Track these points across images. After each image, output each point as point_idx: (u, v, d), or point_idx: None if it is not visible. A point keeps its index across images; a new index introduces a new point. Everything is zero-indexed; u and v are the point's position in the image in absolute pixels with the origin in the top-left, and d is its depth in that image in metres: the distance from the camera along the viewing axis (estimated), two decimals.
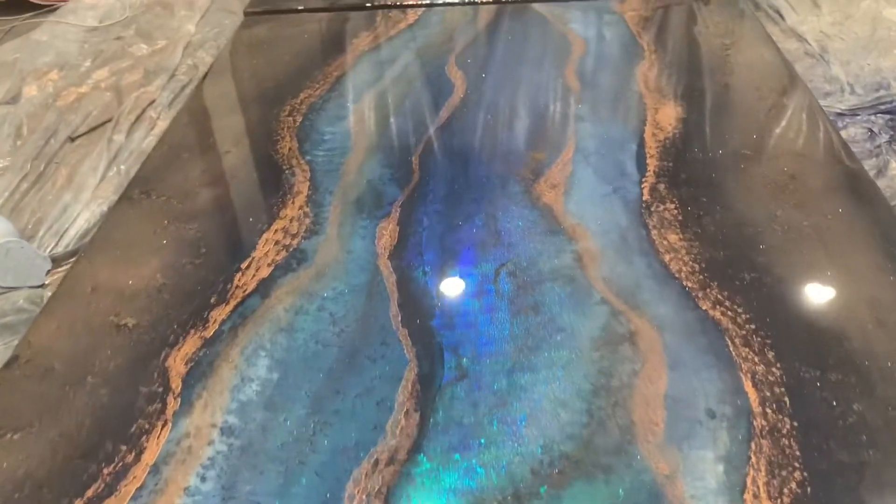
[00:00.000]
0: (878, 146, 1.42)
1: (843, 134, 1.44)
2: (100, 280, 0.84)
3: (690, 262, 0.80)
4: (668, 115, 1.05)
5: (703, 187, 0.92)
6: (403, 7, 1.45)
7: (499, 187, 0.94)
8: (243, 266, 0.84)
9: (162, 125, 1.65)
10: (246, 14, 1.50)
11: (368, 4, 1.47)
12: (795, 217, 0.86)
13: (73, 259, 1.28)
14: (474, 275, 0.81)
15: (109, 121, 1.70)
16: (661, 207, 0.88)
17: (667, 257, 0.81)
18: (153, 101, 1.73)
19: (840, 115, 1.51)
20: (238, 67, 1.27)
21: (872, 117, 1.49)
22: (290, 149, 1.05)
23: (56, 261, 1.26)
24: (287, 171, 1.00)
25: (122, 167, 1.50)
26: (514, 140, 1.03)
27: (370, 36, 1.33)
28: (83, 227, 1.35)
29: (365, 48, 1.29)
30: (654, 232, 0.85)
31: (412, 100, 1.14)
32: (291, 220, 0.91)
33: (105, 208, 1.39)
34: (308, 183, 0.97)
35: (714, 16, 1.31)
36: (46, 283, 1.24)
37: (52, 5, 2.32)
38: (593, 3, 1.39)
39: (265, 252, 0.86)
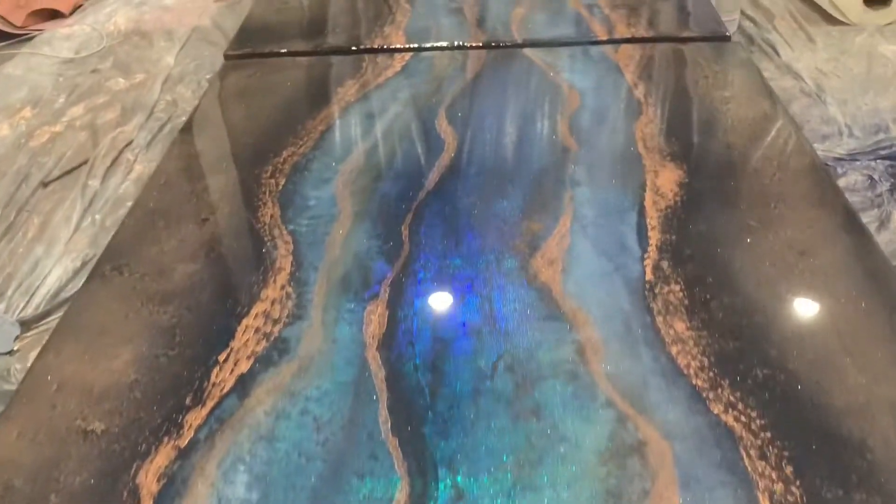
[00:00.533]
0: (880, 195, 1.38)
1: (843, 181, 1.40)
2: (66, 375, 0.78)
3: (699, 356, 0.76)
4: (669, 180, 1.01)
5: (708, 266, 0.87)
6: (390, 51, 1.40)
7: (493, 263, 0.89)
8: (221, 359, 0.79)
9: (139, 168, 1.59)
10: (226, 57, 1.44)
11: (354, 48, 1.41)
12: (807, 301, 0.81)
13: (43, 322, 1.22)
14: (470, 369, 0.76)
15: (84, 163, 1.63)
16: (666, 289, 0.83)
17: (674, 349, 0.76)
18: (130, 143, 1.67)
19: (839, 159, 1.47)
20: (217, 120, 1.22)
21: (872, 163, 1.46)
22: (271, 216, 0.99)
23: (25, 324, 1.20)
24: (269, 243, 0.94)
25: (98, 217, 1.44)
26: (509, 207, 0.98)
27: (356, 84, 1.28)
28: (54, 285, 1.28)
29: (351, 98, 1.24)
30: (659, 319, 0.80)
31: (401, 160, 1.08)
32: (273, 303, 0.85)
33: (78, 263, 1.33)
34: (291, 257, 0.92)
35: (712, 64, 1.27)
36: (15, 349, 1.18)
37: (28, 34, 2.25)
38: (586, 50, 1.34)
39: (244, 342, 0.80)
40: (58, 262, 1.35)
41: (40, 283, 1.30)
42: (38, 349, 1.11)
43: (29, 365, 1.06)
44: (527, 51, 1.36)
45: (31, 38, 2.18)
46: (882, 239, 1.27)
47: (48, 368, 0.78)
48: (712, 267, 0.87)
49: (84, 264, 1.30)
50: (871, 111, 1.59)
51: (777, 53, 1.85)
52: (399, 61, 1.35)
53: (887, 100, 1.63)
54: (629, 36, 1.39)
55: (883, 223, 1.31)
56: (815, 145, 1.49)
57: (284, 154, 1.11)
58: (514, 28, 1.44)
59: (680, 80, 1.23)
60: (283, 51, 1.42)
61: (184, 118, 1.68)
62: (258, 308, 0.84)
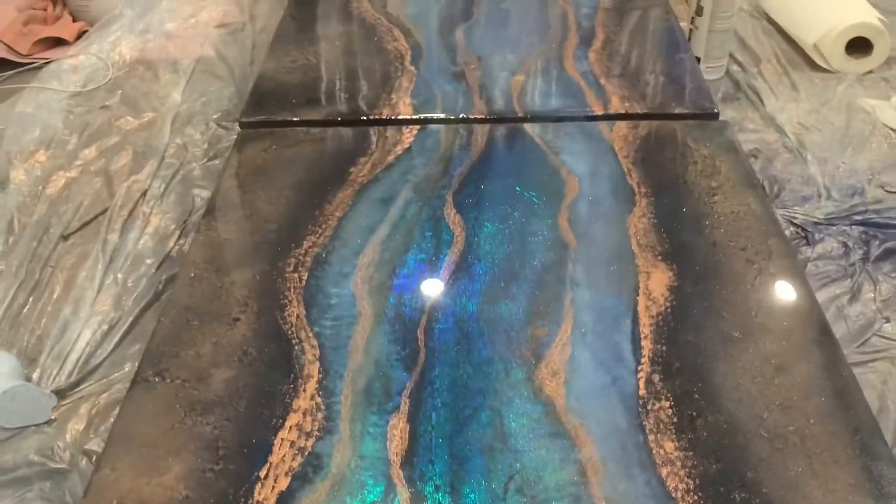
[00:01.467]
0: (853, 263, 1.49)
1: (819, 248, 1.51)
2: (124, 492, 0.88)
3: (686, 478, 0.86)
4: (660, 283, 1.11)
5: (695, 380, 0.97)
6: (398, 123, 1.48)
7: (502, 373, 0.99)
8: (262, 475, 0.88)
9: (155, 221, 1.67)
10: (241, 125, 1.51)
11: (364, 118, 1.49)
12: (781, 421, 0.92)
13: (76, 390, 1.31)
14: (484, 490, 0.86)
15: (102, 213, 1.71)
16: (657, 406, 0.94)
17: (664, 471, 0.87)
18: (144, 193, 1.74)
19: (817, 224, 1.58)
20: (237, 203, 1.30)
21: (847, 228, 1.56)
22: (297, 316, 1.08)
23: (59, 393, 1.29)
24: (297, 347, 1.04)
25: (119, 275, 1.52)
26: (515, 310, 1.08)
27: (368, 162, 1.36)
28: (85, 350, 1.37)
29: (364, 179, 1.32)
30: (651, 438, 0.91)
31: (414, 254, 1.17)
32: (305, 415, 0.95)
33: (105, 328, 1.42)
34: (318, 363, 1.01)
35: (701, 147, 1.36)
36: (53, 417, 1.27)
37: (34, 62, 2.30)
38: (582, 126, 1.43)
39: (282, 457, 0.90)
40: (86, 324, 1.43)
41: (71, 347, 1.39)
42: (74, 419, 1.20)
43: (68, 439, 1.16)
44: (528, 126, 1.44)
45: (37, 67, 2.23)
46: (853, 311, 1.38)
47: (107, 485, 0.88)
48: (699, 381, 0.97)
49: (111, 328, 1.39)
50: (848, 171, 1.70)
51: (762, 102, 1.94)
52: (407, 135, 1.43)
53: (863, 159, 1.73)
54: (623, 111, 1.47)
55: (854, 295, 1.42)
56: (796, 208, 1.59)
57: (305, 244, 1.20)
58: (514, 98, 1.52)
59: (670, 167, 1.33)
60: (295, 119, 1.50)
61: (195, 164, 1.76)
62: (291, 420, 0.94)
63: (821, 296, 1.42)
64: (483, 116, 1.48)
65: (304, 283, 1.13)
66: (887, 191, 1.64)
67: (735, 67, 2.08)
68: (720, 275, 1.12)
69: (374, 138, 1.43)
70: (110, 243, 1.58)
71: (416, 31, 1.78)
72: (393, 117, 1.49)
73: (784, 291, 1.09)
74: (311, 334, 1.05)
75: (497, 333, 1.05)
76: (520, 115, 1.48)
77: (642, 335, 1.03)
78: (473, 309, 1.08)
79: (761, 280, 1.11)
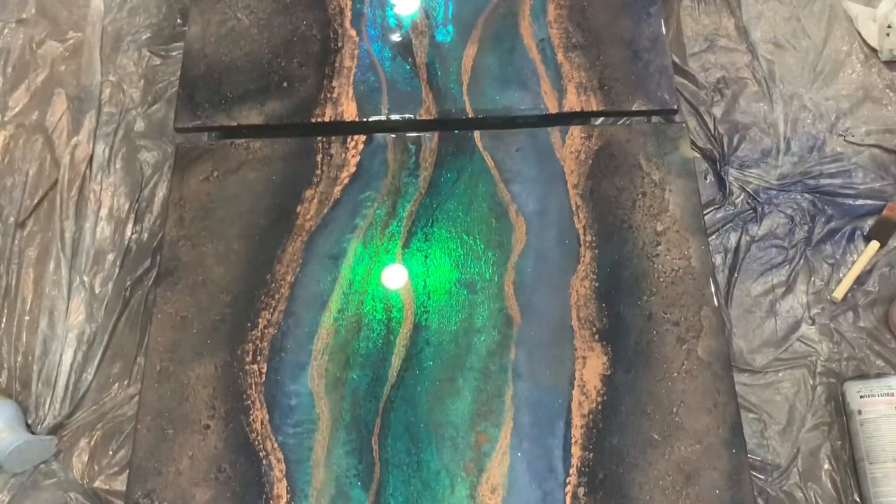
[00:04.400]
0: (795, 245, 1.55)
1: (766, 224, 1.56)
2: None
3: None
4: (594, 371, 1.21)
5: (614, 492, 1.13)
6: (343, 130, 1.43)
7: (448, 489, 1.15)
8: None
9: (107, 201, 1.67)
10: (177, 130, 1.45)
11: (307, 123, 1.43)
12: None
13: (72, 420, 1.47)
14: None
15: (52, 188, 1.70)
16: None
17: None
18: (90, 161, 1.71)
19: (768, 190, 1.60)
20: (188, 265, 1.32)
21: (798, 197, 1.59)
22: (262, 422, 1.20)
23: (56, 430, 1.45)
24: (265, 462, 1.17)
25: (85, 279, 1.58)
26: (461, 409, 1.19)
27: (314, 199, 1.35)
28: (69, 373, 1.49)
29: (311, 225, 1.33)
30: None
31: (366, 336, 1.25)
32: None
33: (85, 347, 1.52)
34: (285, 482, 1.16)
35: (654, 169, 1.35)
36: (56, 451, 1.45)
37: None
38: (535, 139, 1.39)
39: None
40: (65, 343, 1.53)
41: (57, 371, 1.51)
42: (76, 453, 1.38)
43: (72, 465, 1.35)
44: (478, 138, 1.39)
45: None
46: (784, 307, 1.48)
47: None
48: (618, 493, 1.13)
49: (90, 346, 1.50)
50: (813, 116, 1.66)
51: (739, 4, 1.80)
52: (353, 153, 1.39)
53: (833, 91, 1.68)
54: (578, 108, 1.41)
55: (789, 286, 1.51)
56: (751, 170, 1.60)
57: (261, 323, 1.26)
58: (464, 87, 1.44)
59: (618, 202, 1.33)
60: (234, 125, 1.44)
61: (134, 112, 1.71)
62: None
63: (758, 287, 1.51)
64: (432, 118, 1.42)
65: (263, 377, 1.22)
66: (847, 140, 1.62)
67: None
68: (651, 359, 1.21)
69: (318, 158, 1.39)
70: (67, 233, 1.60)
71: None
72: (337, 119, 1.42)
73: (706, 383, 1.19)
74: (276, 445, 1.17)
75: (444, 441, 1.17)
76: (470, 114, 1.41)
77: (573, 439, 1.16)
78: (423, 410, 1.19)
79: (688, 366, 1.21)
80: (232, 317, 1.25)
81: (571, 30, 1.47)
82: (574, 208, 1.31)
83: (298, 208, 1.33)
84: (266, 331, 1.24)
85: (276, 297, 1.26)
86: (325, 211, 1.33)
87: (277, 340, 1.23)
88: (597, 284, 1.25)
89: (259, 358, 1.22)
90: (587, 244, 1.28)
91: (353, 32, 1.49)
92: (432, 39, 1.48)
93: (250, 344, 1.24)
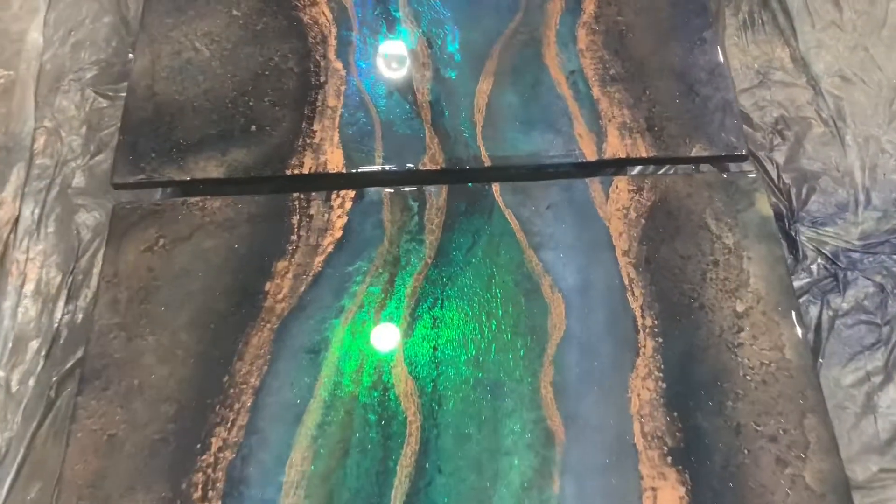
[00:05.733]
0: (889, 321, 1.24)
1: (850, 295, 1.25)
2: None
3: None
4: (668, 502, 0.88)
5: None
6: (325, 185, 1.11)
7: None
8: None
9: (33, 273, 1.34)
10: (115, 186, 1.13)
11: (280, 174, 1.12)
12: None
13: None
14: None
15: None
16: None
17: None
18: (15, 223, 1.38)
19: (850, 253, 1.29)
20: (120, 364, 0.99)
21: (887, 259, 1.28)
22: None
23: None
24: None
25: (1, 373, 1.24)
26: None
27: (287, 274, 1.03)
28: None
29: (283, 308, 1.01)
30: None
31: (356, 463, 0.91)
32: None
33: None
34: None
35: (725, 232, 1.04)
36: None
37: None
38: (570, 192, 1.08)
39: None
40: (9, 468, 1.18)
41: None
42: None
43: None
44: (497, 191, 1.09)
45: None
46: (884, 400, 1.16)
47: None
48: None
49: (2, 461, 1.15)
50: (895, 160, 1.36)
51: (794, 32, 1.52)
52: (338, 213, 1.08)
53: None
54: (623, 155, 1.11)
55: (888, 374, 1.19)
56: (826, 228, 1.29)
57: (214, 445, 0.92)
58: (478, 128, 1.14)
59: (684, 273, 1.02)
60: (187, 179, 1.12)
61: (73, 165, 1.40)
62: None
63: (848, 375, 1.19)
64: (438, 167, 1.11)
65: None
66: None
67: None
68: (744, 490, 0.88)
69: (294, 221, 1.07)
70: None
71: None
72: (318, 171, 1.11)
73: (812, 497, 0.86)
74: None
75: None
76: (486, 163, 1.11)
77: None
78: None
79: (794, 499, 0.87)
80: (177, 436, 0.92)
81: (608, 59, 1.18)
82: (626, 282, 1.00)
83: (267, 286, 1.01)
84: (221, 455, 0.91)
85: (236, 407, 0.93)
86: (303, 289, 1.00)
87: (236, 468, 0.90)
88: (664, 386, 0.93)
89: (211, 493, 0.89)
90: (647, 330, 0.96)
91: (338, 65, 1.19)
92: (437, 73, 1.18)
93: (200, 473, 0.90)
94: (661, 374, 0.94)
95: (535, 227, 1.05)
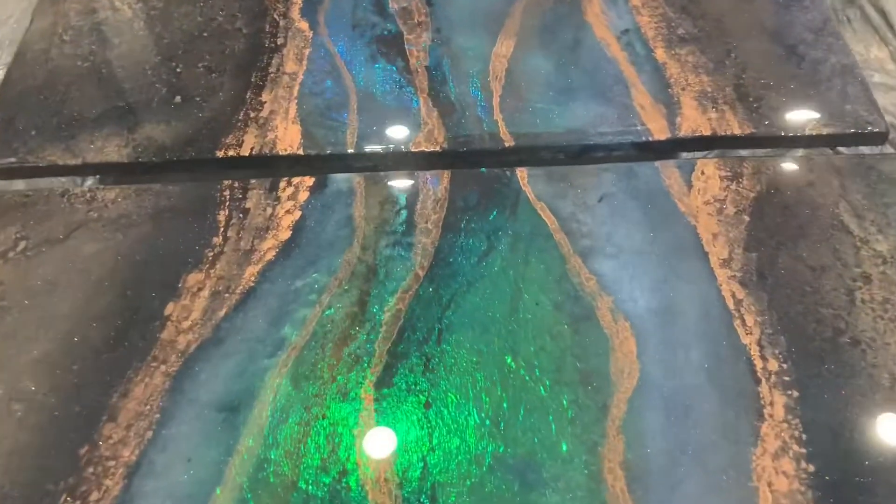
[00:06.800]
0: None
1: None
2: None
3: None
4: None
5: None
6: (269, 170, 0.74)
7: None
8: None
9: None
10: None
11: (203, 156, 0.75)
12: None
13: None
14: None
15: None
16: None
17: None
18: None
19: None
20: None
21: None
22: None
23: None
24: None
25: None
26: None
27: (203, 288, 0.65)
28: None
29: (189, 344, 0.62)
30: None
31: None
32: None
33: None
34: None
35: (880, 233, 0.65)
36: None
37: None
38: (632, 178, 0.71)
39: None
40: None
41: None
42: None
43: None
44: (523, 178, 0.71)
45: None
46: None
47: None
48: None
49: None
50: None
51: (890, 26, 1.19)
52: (286, 210, 0.71)
53: None
54: (708, 132, 0.74)
55: None
56: None
57: None
58: (495, 99, 0.78)
59: (817, 289, 0.63)
60: (74, 164, 0.75)
61: None
62: None
63: None
64: (438, 148, 0.74)
65: None
66: None
67: None
68: None
69: (220, 217, 0.70)
70: None
71: None
72: (264, 152, 0.74)
73: None
74: None
75: None
76: (507, 142, 0.74)
77: None
78: None
79: None
80: None
81: (674, 16, 0.84)
82: (731, 305, 0.61)
83: (170, 308, 0.63)
84: None
85: (94, 497, 0.53)
86: (222, 313, 0.62)
87: None
88: (810, 469, 0.53)
89: None
90: (773, 379, 0.57)
91: (303, 25, 0.86)
92: (438, 33, 0.84)
93: None
94: (803, 451, 0.55)
95: (582, 226, 0.68)
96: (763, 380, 0.60)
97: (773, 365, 0.60)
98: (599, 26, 0.85)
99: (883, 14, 1.23)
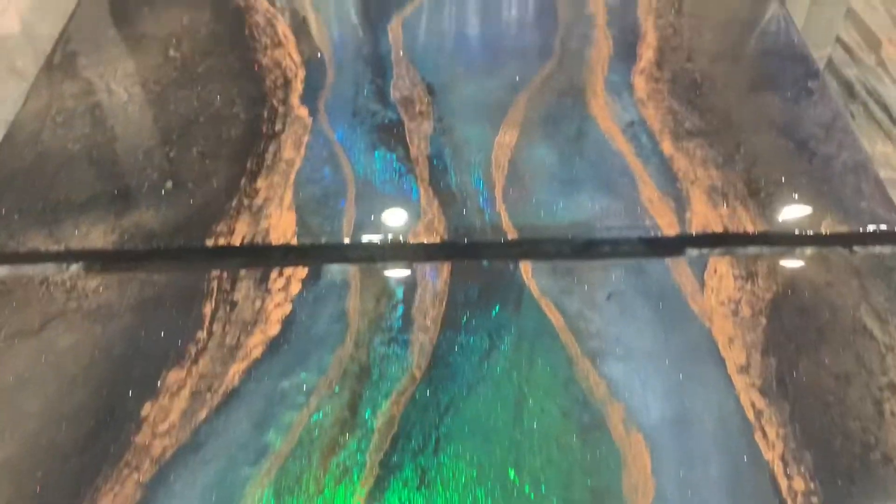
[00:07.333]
0: None
1: None
2: None
3: None
4: None
5: None
6: (261, 259, 0.70)
7: None
8: None
9: None
10: None
11: (192, 248, 0.71)
12: None
13: None
14: None
15: None
16: None
17: None
18: None
19: None
20: None
21: None
22: None
23: None
24: None
25: None
26: None
27: (184, 385, 0.61)
28: None
29: (164, 450, 0.57)
30: None
31: None
32: None
33: None
34: None
35: None
36: None
37: None
38: (641, 276, 0.67)
39: None
40: None
41: None
42: None
43: None
44: (530, 279, 0.67)
45: None
46: None
47: None
48: None
49: None
50: None
51: (891, 118, 1.17)
52: (276, 303, 0.66)
53: None
54: (719, 229, 0.71)
55: None
56: None
57: None
58: (498, 191, 0.74)
59: (843, 401, 0.59)
60: (57, 249, 0.71)
61: None
62: None
63: None
64: (438, 239, 0.70)
65: None
66: None
67: (840, 54, 1.30)
68: None
69: (205, 310, 0.66)
70: None
71: (319, 26, 0.97)
72: (256, 242, 0.70)
73: None
74: None
75: None
76: (510, 234, 0.71)
77: None
78: None
79: None
80: None
81: (680, 109, 0.82)
82: (751, 415, 0.57)
83: (147, 409, 0.58)
84: None
85: None
86: (203, 416, 0.58)
87: None
88: None
89: None
90: (800, 500, 0.54)
91: (303, 111, 0.84)
92: (440, 122, 0.82)
93: None
94: None
95: (590, 326, 0.64)
96: (789, 500, 0.55)
97: (800, 484, 0.55)
98: (604, 118, 0.84)
99: (886, 109, 1.22)
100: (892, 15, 1.37)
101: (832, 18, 1.14)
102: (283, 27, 0.97)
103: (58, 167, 0.81)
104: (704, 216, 0.73)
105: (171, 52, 0.94)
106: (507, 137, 0.82)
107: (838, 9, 1.12)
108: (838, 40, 1.30)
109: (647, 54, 0.91)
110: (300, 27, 0.97)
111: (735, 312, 0.66)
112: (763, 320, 0.65)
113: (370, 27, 0.97)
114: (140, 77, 0.91)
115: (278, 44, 0.95)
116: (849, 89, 1.23)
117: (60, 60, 0.94)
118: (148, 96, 0.89)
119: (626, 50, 0.92)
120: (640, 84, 0.88)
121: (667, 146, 0.80)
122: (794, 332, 0.65)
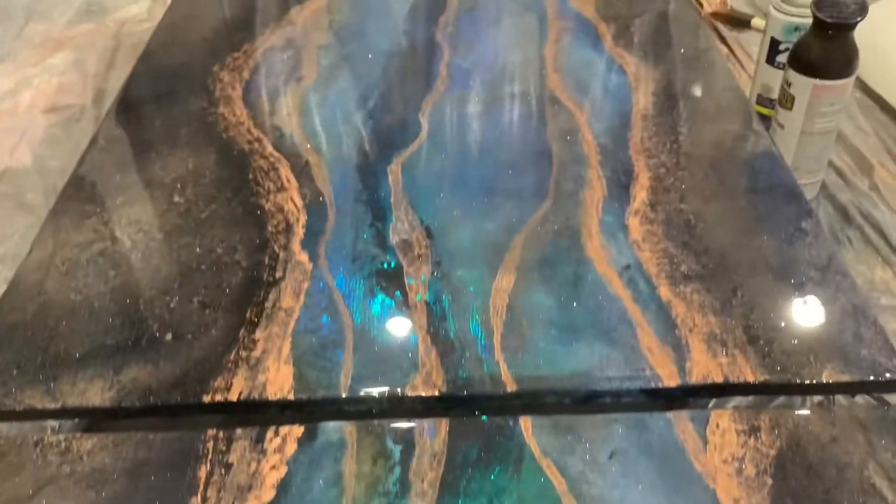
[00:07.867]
0: None
1: None
2: None
3: None
4: None
5: None
6: (260, 423, 0.69)
7: None
8: None
9: None
10: None
11: (195, 402, 0.70)
12: None
13: None
14: None
15: None
16: None
17: None
18: None
19: None
20: None
21: None
22: None
23: None
24: None
25: None
26: None
27: None
28: None
29: None
30: None
31: None
32: None
33: None
34: None
35: None
36: None
37: None
38: (643, 431, 0.66)
39: None
40: None
41: None
42: None
43: None
44: (531, 436, 0.66)
45: None
46: None
47: None
48: None
49: None
50: None
51: (888, 243, 1.18)
52: (272, 465, 0.66)
53: None
54: (720, 379, 0.70)
55: None
56: None
57: None
58: (497, 340, 0.74)
59: None
60: (54, 407, 0.71)
61: None
62: None
63: None
64: (436, 392, 0.70)
65: None
66: None
67: (833, 178, 1.32)
68: None
69: (200, 473, 0.65)
70: None
71: (320, 168, 0.99)
72: (253, 397, 0.70)
73: None
74: None
75: None
76: (510, 386, 0.70)
77: None
78: None
79: None
80: None
81: (675, 252, 0.83)
82: None
83: None
84: None
85: None
86: None
87: None
88: None
89: None
90: None
91: (303, 257, 0.86)
92: (437, 266, 0.83)
93: None
94: None
95: (593, 489, 0.63)
96: None
97: None
98: (600, 261, 0.84)
99: (882, 234, 1.23)
100: (881, 139, 1.41)
101: (824, 145, 1.16)
102: (285, 171, 1.00)
103: (58, 319, 0.82)
104: (704, 366, 0.73)
105: (176, 198, 0.97)
106: (504, 282, 0.83)
107: (830, 134, 1.15)
108: (831, 164, 1.32)
109: (640, 195, 0.93)
110: (303, 171, 1.00)
111: (739, 472, 0.65)
112: (768, 480, 0.64)
113: (371, 169, 1.00)
114: (145, 224, 0.92)
115: (281, 188, 0.97)
116: (844, 214, 1.25)
117: (67, 208, 0.96)
118: (151, 244, 0.90)
119: (620, 191, 0.94)
120: (634, 225, 0.89)
121: (664, 291, 0.81)
122: (801, 493, 0.63)
